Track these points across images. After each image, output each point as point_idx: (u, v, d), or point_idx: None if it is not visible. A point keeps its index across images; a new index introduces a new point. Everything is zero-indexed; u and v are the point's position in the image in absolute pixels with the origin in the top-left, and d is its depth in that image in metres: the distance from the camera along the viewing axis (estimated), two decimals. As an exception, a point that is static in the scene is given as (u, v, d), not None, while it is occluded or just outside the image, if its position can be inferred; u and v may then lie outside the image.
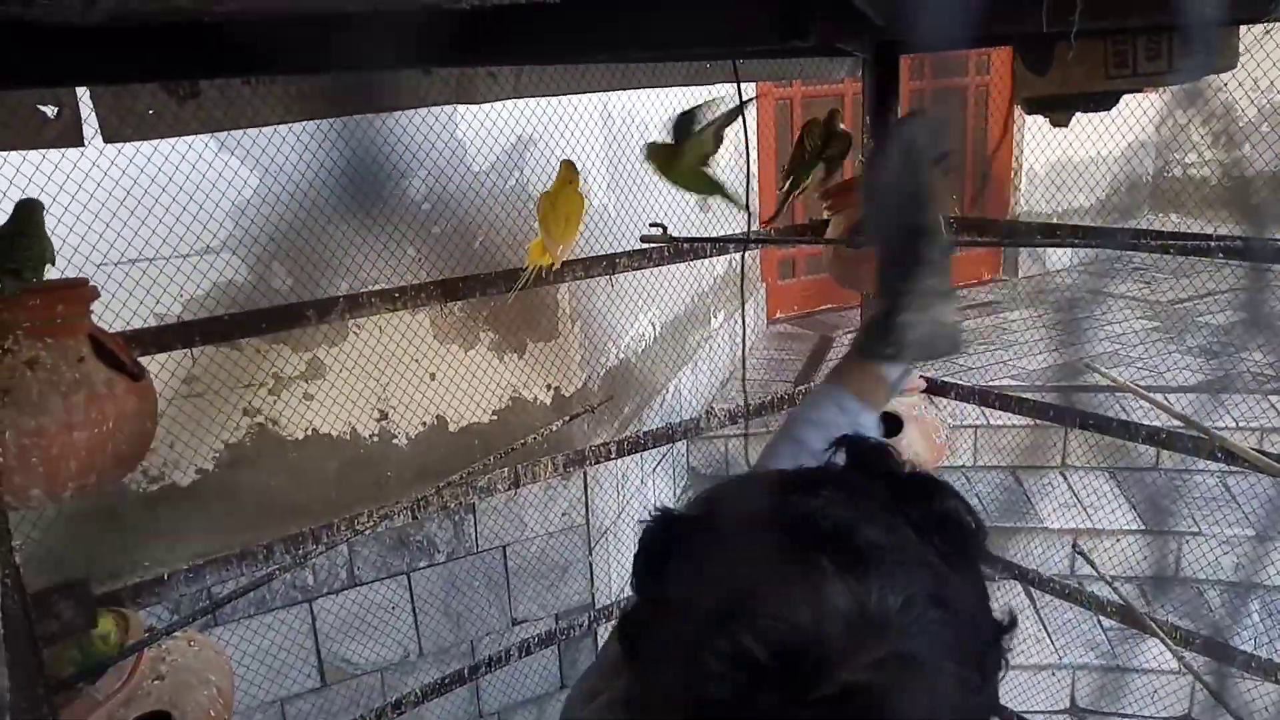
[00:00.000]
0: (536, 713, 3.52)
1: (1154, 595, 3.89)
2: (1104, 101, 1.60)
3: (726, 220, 4.06)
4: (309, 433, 2.83)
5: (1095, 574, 2.34)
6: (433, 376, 3.04)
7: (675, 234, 2.16)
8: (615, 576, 3.68)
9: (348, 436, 2.92)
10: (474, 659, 3.06)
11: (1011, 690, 3.90)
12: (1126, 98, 1.59)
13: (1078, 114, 1.68)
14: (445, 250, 2.93)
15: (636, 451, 2.49)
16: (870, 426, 0.96)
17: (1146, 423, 2.18)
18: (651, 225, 2.12)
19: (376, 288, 2.02)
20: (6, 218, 1.35)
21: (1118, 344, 4.86)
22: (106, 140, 1.46)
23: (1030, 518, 4.07)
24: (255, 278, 2.61)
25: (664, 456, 4.16)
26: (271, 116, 1.59)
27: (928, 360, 0.98)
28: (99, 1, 0.92)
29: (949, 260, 0.96)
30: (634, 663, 0.58)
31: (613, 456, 2.43)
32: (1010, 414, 2.63)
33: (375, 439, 2.98)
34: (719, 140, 1.62)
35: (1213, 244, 1.89)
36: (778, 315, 5.64)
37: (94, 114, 1.42)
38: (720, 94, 1.75)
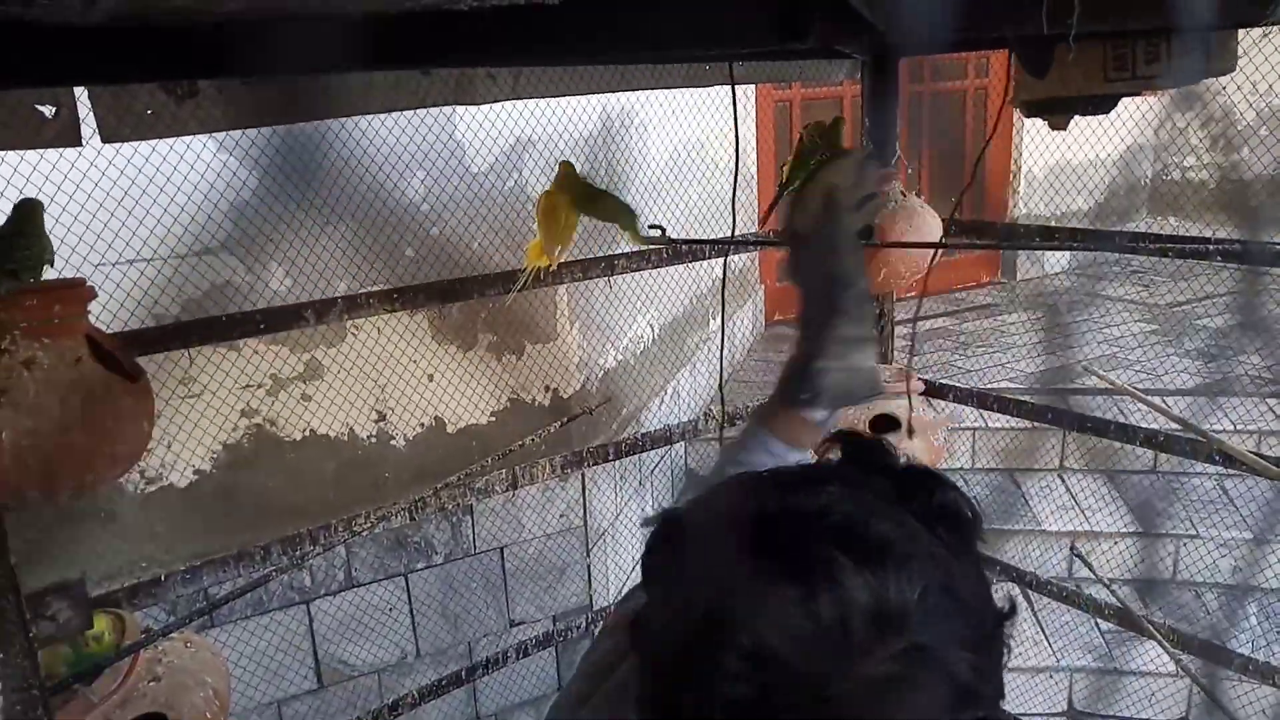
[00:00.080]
0: (534, 714, 3.52)
1: (1149, 598, 3.89)
2: (1103, 104, 1.60)
3: (725, 223, 4.06)
4: (307, 434, 2.83)
5: (1093, 576, 2.34)
6: (431, 378, 3.03)
7: (674, 236, 2.16)
8: (613, 578, 3.68)
9: (346, 438, 2.92)
10: (471, 660, 3.05)
11: (1009, 693, 3.89)
12: (1125, 100, 1.59)
13: (1076, 117, 1.68)
14: (444, 251, 2.93)
15: (635, 453, 2.49)
16: (794, 459, 0.98)
17: (1144, 425, 2.18)
18: (650, 227, 2.11)
19: (375, 289, 2.01)
20: (5, 218, 1.35)
21: (1116, 347, 4.87)
22: (105, 140, 1.46)
23: (1028, 520, 4.07)
24: (253, 278, 2.61)
25: (662, 458, 4.15)
26: (269, 117, 1.58)
27: (846, 406, 0.99)
28: (99, 1, 0.91)
29: (867, 308, 0.99)
30: (646, 663, 0.58)
31: (611, 458, 2.43)
32: (1008, 416, 2.63)
33: (373, 440, 2.98)
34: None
35: (1211, 247, 1.89)
36: (776, 317, 5.63)
37: (92, 114, 1.42)
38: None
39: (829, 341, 0.95)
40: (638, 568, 0.63)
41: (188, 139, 2.02)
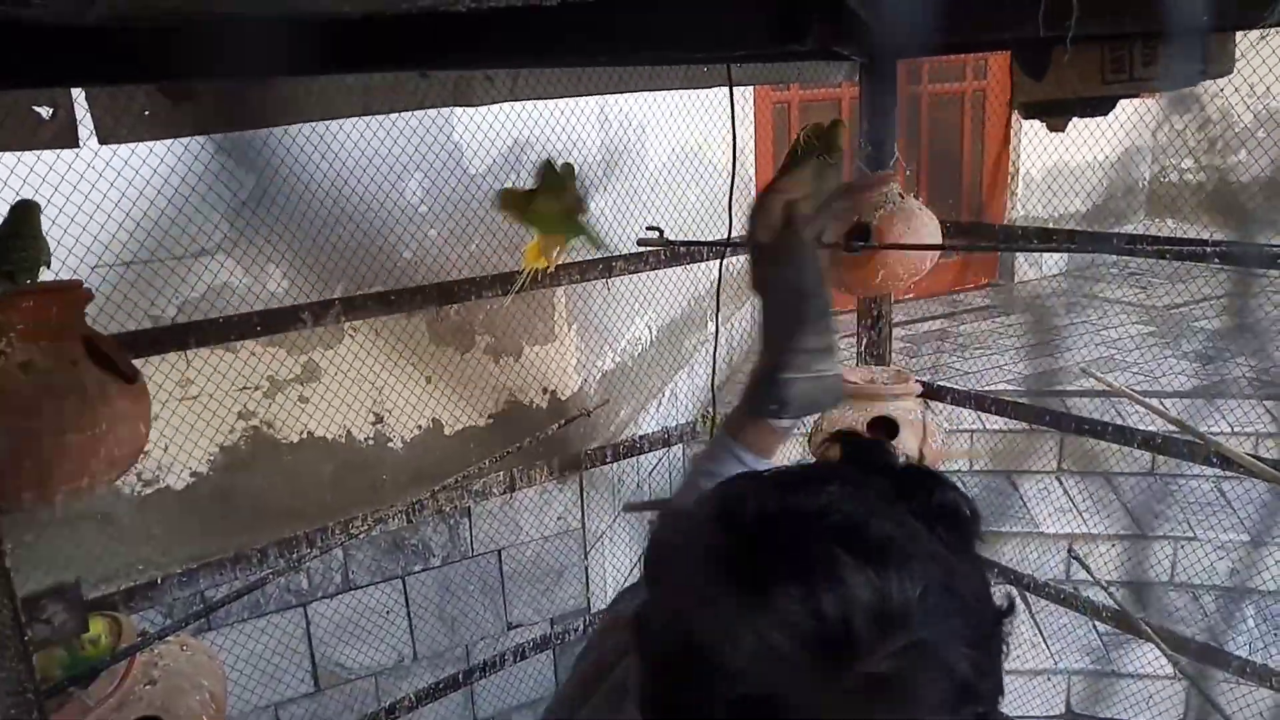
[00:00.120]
0: (532, 717, 3.51)
1: (1146, 601, 3.89)
2: (1100, 106, 1.60)
3: (723, 224, 4.05)
4: (304, 436, 2.83)
5: (1091, 579, 2.34)
6: (429, 380, 3.03)
7: (672, 238, 2.15)
8: (611, 581, 3.68)
9: (343, 439, 2.91)
10: (469, 663, 3.04)
11: (1007, 695, 3.90)
12: (1123, 102, 1.59)
13: (1074, 119, 1.69)
14: (442, 253, 2.93)
15: (633, 455, 2.49)
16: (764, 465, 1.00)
17: (1142, 428, 2.18)
18: (648, 229, 2.11)
19: (372, 290, 2.01)
20: (3, 219, 1.34)
21: (1113, 348, 4.87)
22: (102, 141, 1.45)
23: (1026, 522, 4.07)
24: (250, 280, 2.60)
25: (660, 461, 4.15)
26: (267, 118, 1.58)
27: (812, 414, 1.00)
28: (96, 2, 0.91)
29: (829, 317, 1.00)
30: (648, 663, 0.58)
31: (609, 460, 2.43)
32: (1006, 418, 2.63)
33: (371, 442, 2.97)
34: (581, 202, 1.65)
35: (1208, 249, 1.89)
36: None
37: (89, 115, 1.42)
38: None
39: (793, 351, 0.96)
40: (634, 570, 0.63)
41: (184, 140, 2.02)
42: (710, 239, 3.38)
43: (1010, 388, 4.35)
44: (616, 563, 3.75)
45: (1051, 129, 1.74)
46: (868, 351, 2.47)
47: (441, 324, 3.02)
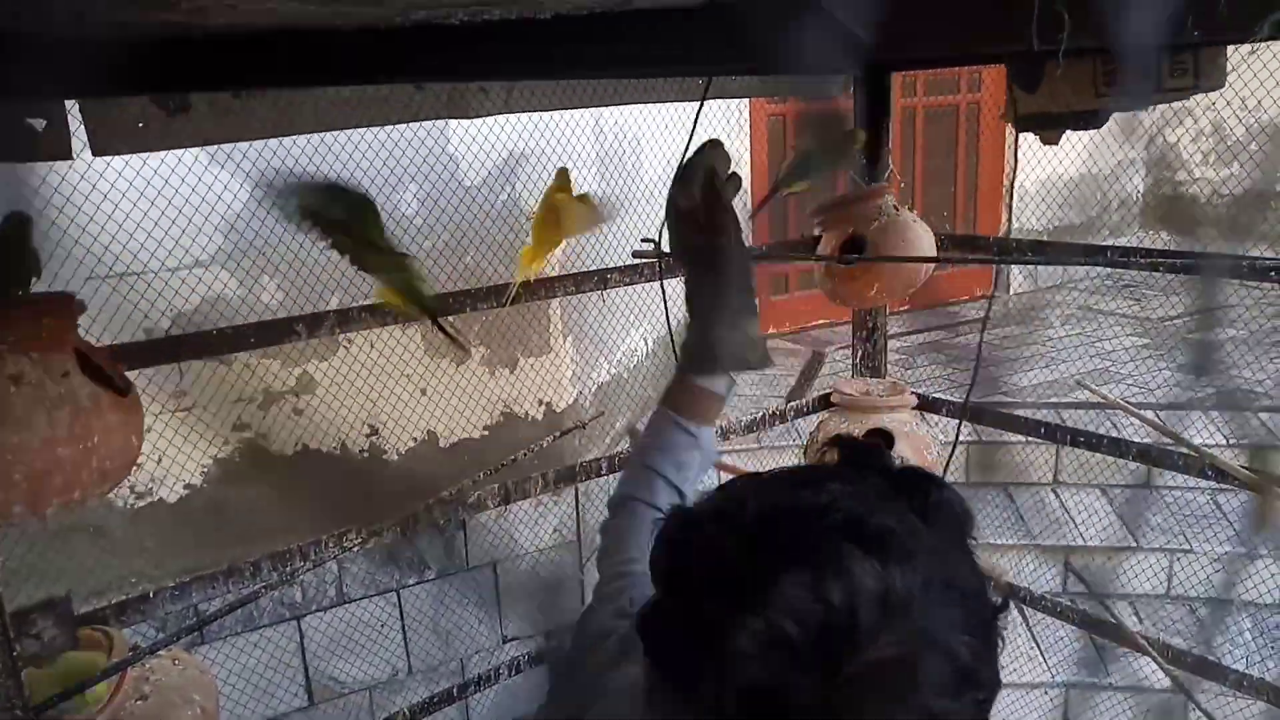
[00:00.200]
0: (526, 732, 3.49)
1: (1143, 614, 3.89)
2: (1093, 119, 1.60)
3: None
4: (299, 448, 2.82)
5: (1087, 592, 2.33)
6: (423, 392, 3.02)
7: (667, 250, 2.15)
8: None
9: (338, 452, 2.90)
10: (464, 677, 3.02)
11: (1004, 708, 3.89)
12: (1116, 115, 1.60)
13: (1068, 131, 1.69)
14: (437, 265, 2.93)
15: (628, 467, 2.48)
16: (709, 439, 1.04)
17: (1137, 440, 2.18)
18: (643, 241, 2.11)
19: (367, 302, 2.01)
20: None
21: (1108, 361, 4.88)
22: (96, 153, 1.45)
23: (1022, 535, 4.07)
24: (245, 292, 2.60)
25: (656, 472, 4.14)
26: (261, 130, 1.58)
27: (742, 372, 1.04)
28: (88, 14, 0.91)
29: (751, 281, 1.04)
30: (659, 660, 0.59)
31: (604, 473, 2.42)
32: (1002, 431, 2.63)
33: (365, 454, 2.96)
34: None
35: (1202, 262, 1.90)
36: (770, 330, 5.64)
37: (83, 127, 1.42)
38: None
39: (720, 310, 1.01)
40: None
41: (178, 152, 2.02)
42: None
43: (1006, 399, 4.35)
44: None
45: (1045, 142, 1.75)
46: (863, 363, 2.47)
47: (437, 336, 3.01)
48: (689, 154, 1.07)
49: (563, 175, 1.85)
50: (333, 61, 1.22)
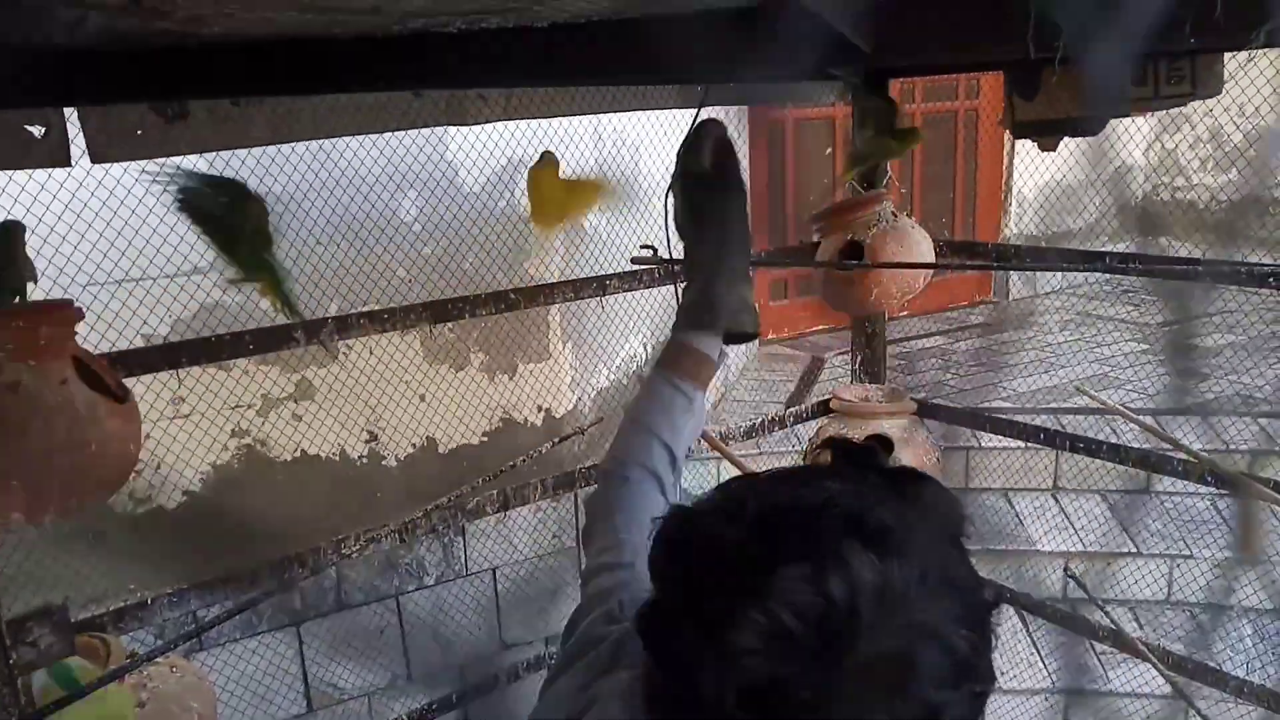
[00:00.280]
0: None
1: (1143, 619, 3.88)
2: (1091, 126, 1.61)
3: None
4: (297, 454, 2.81)
5: (1087, 597, 2.33)
6: (423, 398, 3.02)
7: (666, 256, 2.15)
8: (606, 600, 3.66)
9: (337, 458, 2.90)
10: (463, 683, 3.02)
11: (1005, 714, 3.88)
12: (1114, 121, 1.60)
13: (1065, 138, 1.70)
14: (435, 271, 2.93)
15: (627, 474, 2.47)
16: (701, 404, 1.06)
17: (1136, 445, 2.18)
18: (642, 247, 2.11)
19: (366, 309, 2.01)
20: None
21: (1107, 366, 4.88)
22: (94, 160, 1.45)
23: (1022, 541, 4.06)
24: (243, 298, 2.60)
25: (655, 478, 4.14)
26: (260, 137, 1.58)
27: (736, 332, 1.08)
28: (87, 22, 0.91)
29: (750, 245, 1.09)
30: (659, 656, 0.59)
31: (603, 479, 2.41)
32: (1002, 436, 2.63)
33: (364, 461, 2.96)
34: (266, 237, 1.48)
35: (1200, 268, 1.90)
36: (769, 336, 5.64)
37: (81, 134, 1.42)
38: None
39: (720, 271, 1.04)
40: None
41: (177, 159, 2.02)
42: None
43: (1006, 405, 4.35)
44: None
45: (1043, 148, 1.75)
46: (863, 369, 2.47)
47: (436, 342, 3.01)
48: (694, 125, 1.12)
49: (545, 157, 1.81)
50: (331, 69, 1.22)
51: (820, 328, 5.73)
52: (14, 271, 1.28)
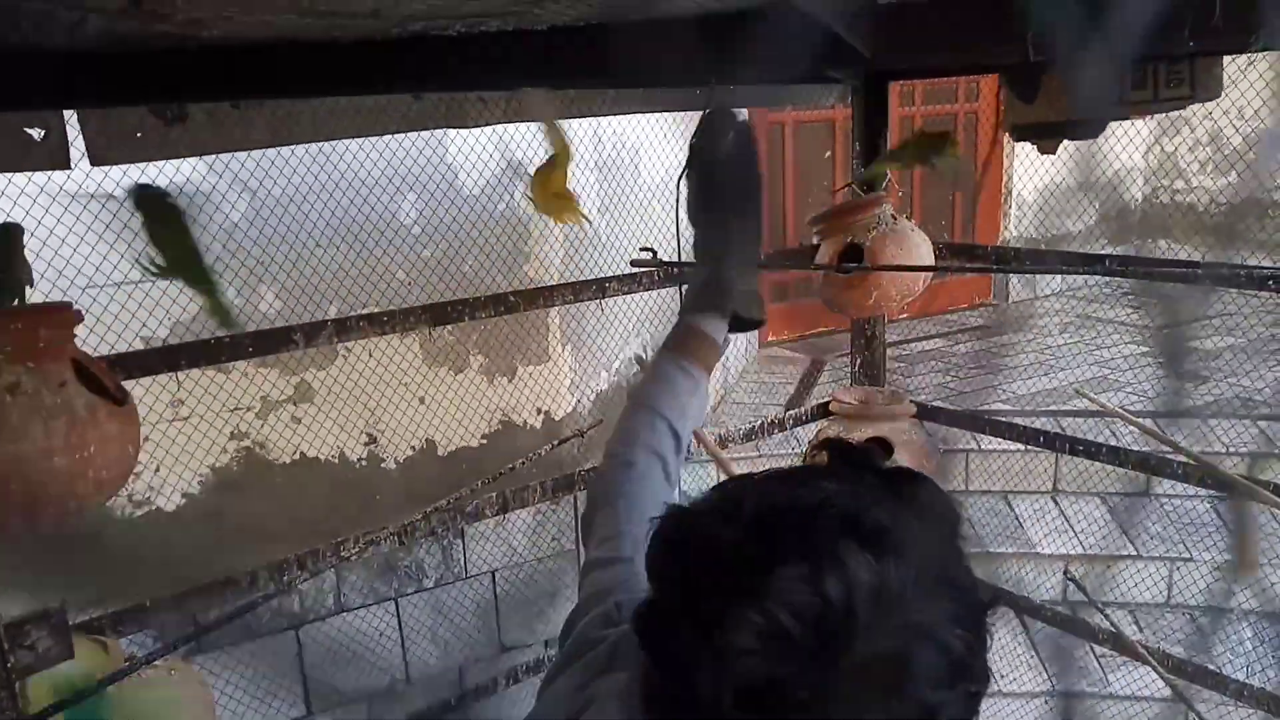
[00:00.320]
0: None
1: (1144, 623, 3.88)
2: (1090, 129, 1.61)
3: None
4: (296, 456, 2.81)
5: (1087, 600, 2.33)
6: (422, 400, 3.02)
7: (665, 258, 2.15)
8: (605, 602, 3.65)
9: (336, 460, 2.90)
10: (462, 687, 3.02)
11: (1005, 718, 3.87)
12: (1113, 124, 1.60)
13: (1065, 140, 1.70)
14: (435, 273, 2.93)
15: (626, 476, 2.47)
16: (705, 388, 1.07)
17: (1136, 448, 2.18)
18: (642, 249, 2.11)
19: (365, 311, 2.01)
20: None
21: (1107, 369, 4.88)
22: (93, 163, 1.45)
23: (1022, 543, 4.06)
24: (243, 301, 2.60)
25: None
26: (259, 140, 1.58)
27: (745, 316, 1.09)
28: (87, 25, 0.91)
29: (760, 233, 1.11)
30: (656, 657, 0.59)
31: (602, 481, 2.41)
32: (1001, 439, 2.63)
33: (364, 463, 2.96)
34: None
35: (1200, 271, 1.90)
36: (769, 339, 5.64)
37: (81, 136, 1.42)
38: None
39: (730, 254, 1.06)
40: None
41: (176, 162, 2.01)
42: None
43: (1005, 407, 4.35)
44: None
45: (1042, 151, 1.75)
46: (862, 372, 2.47)
47: (435, 344, 3.01)
48: (707, 114, 1.12)
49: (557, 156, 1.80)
50: (331, 71, 1.22)
51: (820, 330, 5.73)
52: (13, 274, 1.28)
